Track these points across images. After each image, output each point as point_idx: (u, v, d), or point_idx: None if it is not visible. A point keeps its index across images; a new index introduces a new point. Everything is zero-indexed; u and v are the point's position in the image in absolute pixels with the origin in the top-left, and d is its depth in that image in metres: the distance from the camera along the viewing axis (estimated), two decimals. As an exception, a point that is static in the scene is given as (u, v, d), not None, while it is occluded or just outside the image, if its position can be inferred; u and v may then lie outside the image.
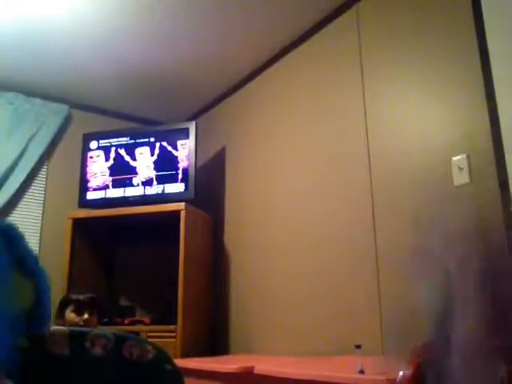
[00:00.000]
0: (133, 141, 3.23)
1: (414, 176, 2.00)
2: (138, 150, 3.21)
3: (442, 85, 1.95)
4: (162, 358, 0.71)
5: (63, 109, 3.49)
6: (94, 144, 3.28)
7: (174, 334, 2.71)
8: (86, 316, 2.30)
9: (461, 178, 1.80)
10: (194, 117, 3.72)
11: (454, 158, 1.83)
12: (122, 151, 3.23)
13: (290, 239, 2.62)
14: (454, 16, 1.94)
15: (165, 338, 2.71)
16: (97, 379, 0.65)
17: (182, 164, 3.08)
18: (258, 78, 3.14)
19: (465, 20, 1.88)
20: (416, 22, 2.10)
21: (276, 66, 2.98)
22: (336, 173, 2.40)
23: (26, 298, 0.61)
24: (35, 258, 0.65)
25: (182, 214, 2.89)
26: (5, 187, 3.14)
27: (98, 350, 0.66)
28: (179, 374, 0.72)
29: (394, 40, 2.20)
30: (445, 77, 1.94)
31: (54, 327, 0.67)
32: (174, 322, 2.73)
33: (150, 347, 0.71)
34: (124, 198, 3.14)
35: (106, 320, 2.88)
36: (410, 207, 1.99)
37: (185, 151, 3.09)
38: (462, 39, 1.89)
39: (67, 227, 3.08)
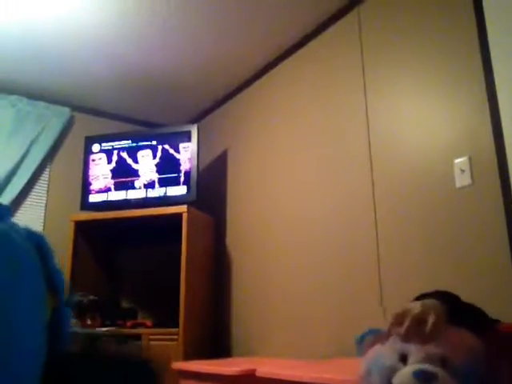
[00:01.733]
0: (135, 144, 3.23)
1: (415, 178, 1.99)
2: (140, 153, 3.21)
3: (443, 86, 1.95)
4: (146, 358, 0.71)
5: (65, 111, 3.50)
6: (96, 147, 3.29)
7: (176, 337, 2.71)
8: (88, 322, 2.28)
9: (463, 179, 1.79)
10: (196, 120, 3.72)
11: (456, 160, 1.83)
12: (124, 154, 3.23)
13: (291, 241, 2.62)
14: (455, 17, 1.94)
15: (167, 340, 2.71)
16: (87, 380, 0.65)
17: (184, 167, 3.08)
18: (260, 81, 3.14)
19: (466, 21, 1.88)
20: (417, 24, 2.10)
21: (278, 68, 2.99)
22: (338, 174, 2.40)
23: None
24: (62, 276, 0.62)
25: (184, 216, 2.89)
26: (7, 190, 3.15)
27: (91, 351, 0.66)
28: (156, 373, 0.72)
29: (395, 41, 2.20)
30: (446, 79, 1.94)
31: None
32: (176, 325, 2.73)
33: (136, 347, 0.71)
34: (126, 200, 3.15)
35: (107, 323, 2.88)
36: (411, 209, 1.99)
37: (187, 154, 3.09)
38: (463, 41, 1.89)
39: (69, 230, 3.08)
